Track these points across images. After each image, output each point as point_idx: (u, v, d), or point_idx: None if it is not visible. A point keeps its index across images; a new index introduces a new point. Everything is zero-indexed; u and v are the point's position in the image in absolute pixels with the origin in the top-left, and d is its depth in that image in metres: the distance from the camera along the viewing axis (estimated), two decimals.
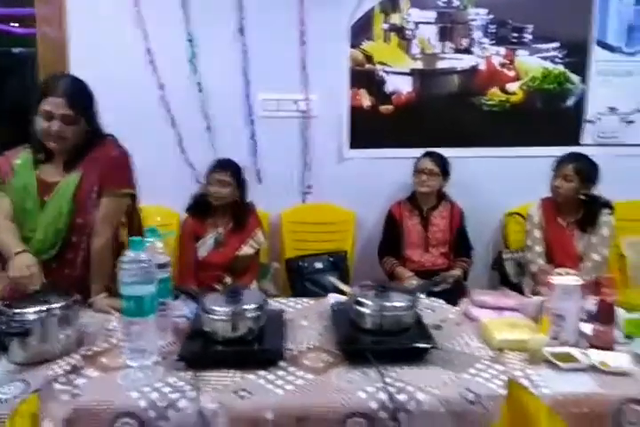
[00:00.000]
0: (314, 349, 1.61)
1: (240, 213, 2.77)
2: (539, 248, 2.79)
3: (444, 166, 2.99)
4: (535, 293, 2.44)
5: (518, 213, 3.17)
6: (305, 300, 2.04)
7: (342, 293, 1.93)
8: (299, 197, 3.32)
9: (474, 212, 3.14)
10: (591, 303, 1.74)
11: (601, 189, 2.74)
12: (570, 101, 3.29)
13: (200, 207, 2.79)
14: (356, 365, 1.49)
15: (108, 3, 3.02)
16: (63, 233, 1.90)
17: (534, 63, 3.24)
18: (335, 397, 1.35)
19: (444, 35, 3.19)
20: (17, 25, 4.44)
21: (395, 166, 3.19)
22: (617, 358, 1.51)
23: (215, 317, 1.52)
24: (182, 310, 1.76)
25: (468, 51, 3.21)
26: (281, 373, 1.46)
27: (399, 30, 3.18)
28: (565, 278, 1.66)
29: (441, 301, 2.03)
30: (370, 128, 3.25)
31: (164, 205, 3.04)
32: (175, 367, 1.47)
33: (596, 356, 1.52)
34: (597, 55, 3.24)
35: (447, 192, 3.09)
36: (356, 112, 3.23)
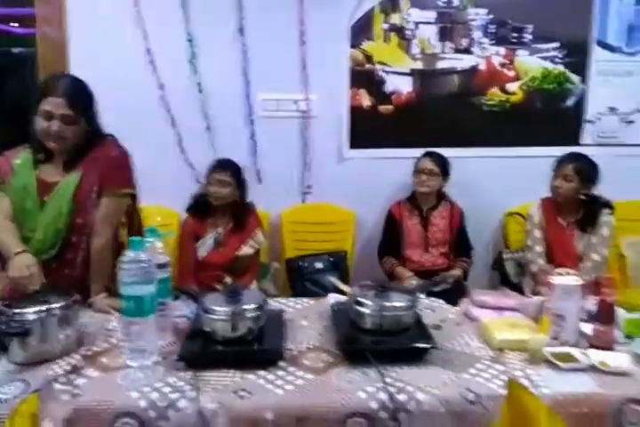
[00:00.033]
0: (314, 349, 1.61)
1: (240, 214, 2.77)
2: (539, 248, 2.79)
3: (443, 166, 2.98)
4: (535, 293, 2.43)
5: (518, 213, 3.16)
6: (305, 300, 2.04)
7: (342, 293, 1.93)
8: (299, 197, 3.32)
9: (474, 212, 3.14)
10: (591, 303, 1.74)
11: (601, 189, 2.74)
12: (570, 101, 3.29)
13: (200, 207, 2.79)
14: (356, 365, 1.49)
15: (107, 3, 3.02)
16: (63, 233, 1.90)
17: (534, 63, 3.24)
18: (335, 397, 1.35)
19: (444, 35, 3.19)
20: (17, 25, 4.45)
21: (394, 166, 3.19)
22: (617, 358, 1.51)
23: (215, 317, 1.52)
24: (182, 310, 1.76)
25: (467, 51, 3.21)
26: (281, 373, 1.46)
27: (399, 30, 3.18)
28: (565, 278, 1.66)
29: (441, 301, 2.03)
30: (370, 128, 3.25)
31: (164, 205, 3.04)
32: (175, 367, 1.47)
33: (596, 356, 1.52)
34: (597, 55, 3.23)
35: (447, 192, 3.09)
36: (356, 112, 3.23)
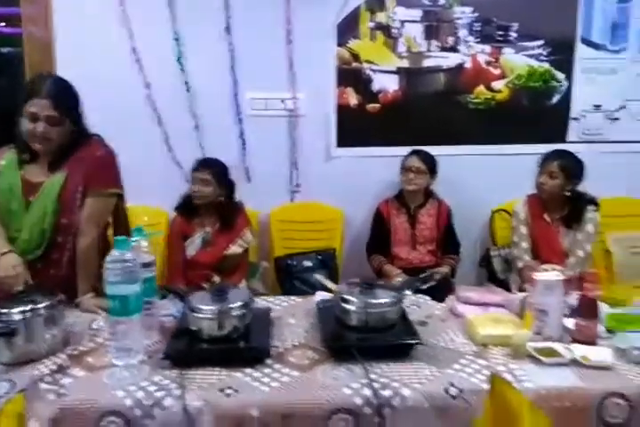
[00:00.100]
0: (299, 346, 1.62)
1: (227, 213, 2.77)
2: (525, 244, 2.80)
3: (431, 164, 3.00)
4: (522, 289, 2.45)
5: (504, 210, 3.18)
6: (292, 298, 2.04)
7: (329, 290, 1.94)
8: (287, 196, 3.32)
9: (461, 209, 3.16)
10: (574, 298, 1.75)
11: (586, 186, 2.76)
12: (555, 99, 3.31)
13: (187, 206, 2.79)
14: (342, 361, 1.50)
15: (93, 2, 3.01)
16: (48, 233, 1.90)
17: (519, 61, 3.26)
18: (320, 393, 1.36)
19: (430, 33, 3.20)
20: (4, 24, 4.42)
21: (382, 165, 3.20)
22: (599, 353, 1.53)
23: (201, 315, 1.53)
24: (169, 308, 1.77)
25: (453, 49, 3.23)
26: (267, 370, 1.47)
27: (385, 29, 3.18)
28: (547, 274, 1.67)
29: (427, 297, 2.04)
30: (357, 127, 3.26)
31: (152, 204, 3.04)
32: (161, 366, 1.48)
33: (579, 350, 1.54)
34: (582, 53, 3.26)
35: (434, 190, 3.10)
36: (343, 111, 3.23)
